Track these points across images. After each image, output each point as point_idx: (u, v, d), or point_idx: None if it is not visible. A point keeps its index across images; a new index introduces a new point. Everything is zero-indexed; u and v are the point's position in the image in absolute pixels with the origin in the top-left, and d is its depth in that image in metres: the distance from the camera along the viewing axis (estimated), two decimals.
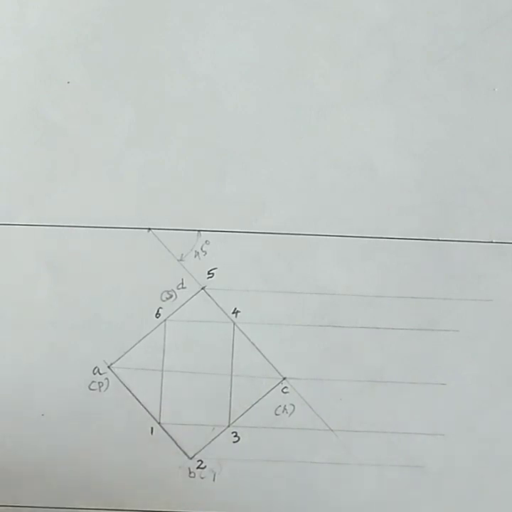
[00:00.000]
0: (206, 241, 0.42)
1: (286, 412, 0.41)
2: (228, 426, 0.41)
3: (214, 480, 0.40)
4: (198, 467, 0.40)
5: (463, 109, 0.42)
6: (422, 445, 0.40)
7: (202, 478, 0.40)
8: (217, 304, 0.41)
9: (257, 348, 0.41)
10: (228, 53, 0.43)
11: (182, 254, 0.42)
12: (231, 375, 0.41)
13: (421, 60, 0.43)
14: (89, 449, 0.40)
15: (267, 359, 0.41)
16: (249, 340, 0.41)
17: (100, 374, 0.41)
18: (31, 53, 0.43)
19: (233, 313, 0.41)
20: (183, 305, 0.41)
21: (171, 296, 0.41)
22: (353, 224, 0.42)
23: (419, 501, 0.40)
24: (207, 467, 0.40)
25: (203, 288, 0.41)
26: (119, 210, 0.42)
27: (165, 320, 0.41)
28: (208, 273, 0.41)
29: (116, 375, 0.41)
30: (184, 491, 0.40)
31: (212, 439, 0.40)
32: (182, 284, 0.41)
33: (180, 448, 0.40)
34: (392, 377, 0.41)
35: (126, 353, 0.41)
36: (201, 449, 0.40)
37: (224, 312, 0.41)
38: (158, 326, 0.41)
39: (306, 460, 0.40)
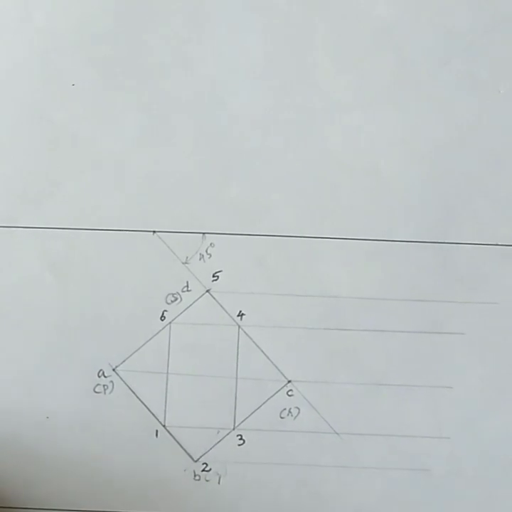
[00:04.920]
0: (211, 243, 0.42)
1: (292, 415, 0.41)
2: (233, 429, 0.40)
3: (219, 483, 0.40)
4: (203, 470, 0.40)
5: (468, 111, 0.42)
6: (427, 448, 0.40)
7: (207, 481, 0.40)
8: (222, 306, 0.41)
9: (262, 351, 0.41)
10: (233, 55, 0.43)
11: (187, 257, 0.42)
12: (236, 378, 0.41)
13: (426, 62, 0.43)
14: (93, 451, 0.40)
15: (272, 362, 0.41)
16: (255, 343, 0.41)
17: (105, 377, 0.41)
18: (36, 55, 0.43)
19: (238, 316, 0.41)
20: (188, 308, 0.41)
21: (176, 299, 0.41)
22: (357, 227, 0.42)
23: (424, 505, 0.40)
24: (212, 470, 0.40)
25: (207, 291, 0.41)
26: (123, 213, 0.42)
27: (170, 323, 0.41)
28: (213, 276, 0.41)
29: (121, 378, 0.41)
30: (189, 494, 0.40)
31: (218, 442, 0.40)
32: (187, 286, 0.41)
33: (185, 451, 0.40)
34: (398, 380, 0.41)
35: (131, 355, 0.41)
36: (206, 452, 0.40)
37: (229, 315, 0.41)
38: (163, 328, 0.41)
39: (311, 463, 0.40)
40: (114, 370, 0.41)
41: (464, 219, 0.42)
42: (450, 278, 0.41)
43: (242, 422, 0.40)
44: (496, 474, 0.40)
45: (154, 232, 0.42)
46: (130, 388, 0.41)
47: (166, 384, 0.41)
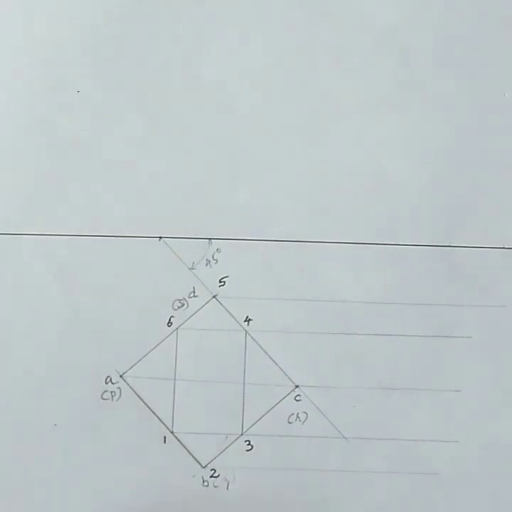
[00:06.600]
0: (217, 249, 0.42)
1: (299, 420, 0.41)
2: (241, 434, 0.40)
3: (227, 489, 0.40)
4: (211, 476, 0.40)
5: (472, 114, 0.42)
6: (435, 452, 0.40)
7: (215, 487, 0.40)
8: (229, 312, 0.41)
9: (269, 356, 0.41)
10: (238, 61, 0.43)
11: (193, 263, 0.41)
12: (244, 384, 0.41)
13: (430, 66, 0.43)
14: (101, 458, 0.40)
15: (279, 367, 0.41)
16: (262, 348, 0.41)
17: (112, 383, 0.41)
18: (40, 62, 0.43)
19: (245, 321, 0.41)
20: (194, 313, 0.41)
21: (183, 305, 0.41)
22: (364, 231, 0.42)
23: (432, 508, 0.40)
24: (220, 476, 0.40)
25: (214, 296, 0.41)
26: (129, 219, 0.42)
27: (177, 329, 0.41)
28: (220, 281, 0.41)
29: (128, 385, 0.41)
30: (197, 500, 0.40)
31: (226, 448, 0.40)
32: (193, 292, 0.41)
33: (193, 457, 0.40)
34: (405, 384, 0.41)
35: (138, 362, 0.41)
36: (214, 458, 0.40)
37: (236, 320, 0.41)
38: (170, 334, 0.41)
39: (319, 468, 0.40)
40: (121, 376, 0.41)
41: (470, 222, 0.42)
42: (457, 282, 0.41)
43: (250, 427, 0.40)
44: (503, 478, 0.40)
45: (160, 238, 0.42)
46: (137, 395, 0.41)
47: (174, 390, 0.41)
